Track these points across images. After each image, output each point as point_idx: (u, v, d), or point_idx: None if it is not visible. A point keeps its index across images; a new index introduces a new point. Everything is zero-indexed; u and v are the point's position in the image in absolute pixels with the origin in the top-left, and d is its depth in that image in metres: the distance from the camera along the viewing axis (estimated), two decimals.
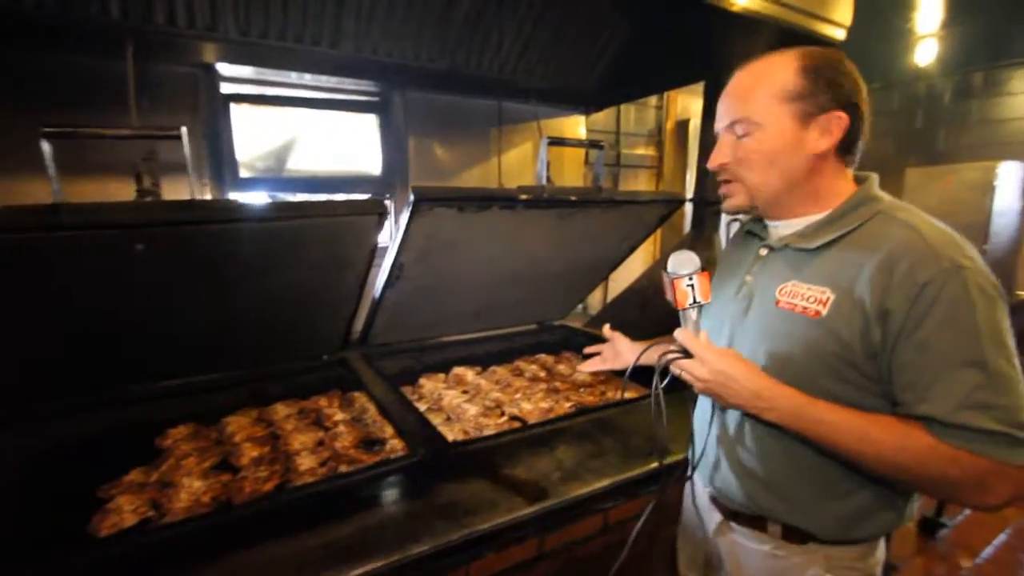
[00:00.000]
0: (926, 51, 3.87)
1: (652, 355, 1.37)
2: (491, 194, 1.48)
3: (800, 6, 1.87)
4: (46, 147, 0.91)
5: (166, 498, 1.32)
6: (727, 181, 1.00)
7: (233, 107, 2.15)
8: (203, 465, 1.48)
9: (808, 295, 0.91)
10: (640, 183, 3.48)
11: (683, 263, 0.96)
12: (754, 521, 1.02)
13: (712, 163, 1.00)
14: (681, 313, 0.98)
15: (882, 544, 1.00)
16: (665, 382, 1.00)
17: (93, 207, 0.94)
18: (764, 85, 0.92)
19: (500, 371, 2.20)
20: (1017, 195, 4.18)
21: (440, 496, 1.11)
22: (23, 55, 1.62)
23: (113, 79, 1.29)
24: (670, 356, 0.97)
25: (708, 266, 0.99)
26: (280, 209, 1.20)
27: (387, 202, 2.56)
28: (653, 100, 3.43)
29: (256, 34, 1.80)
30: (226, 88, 2.13)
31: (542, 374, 2.17)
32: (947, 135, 4.78)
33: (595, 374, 1.95)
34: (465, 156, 2.63)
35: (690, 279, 0.95)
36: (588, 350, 1.66)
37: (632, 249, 2.20)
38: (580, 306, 3.08)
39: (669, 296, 0.98)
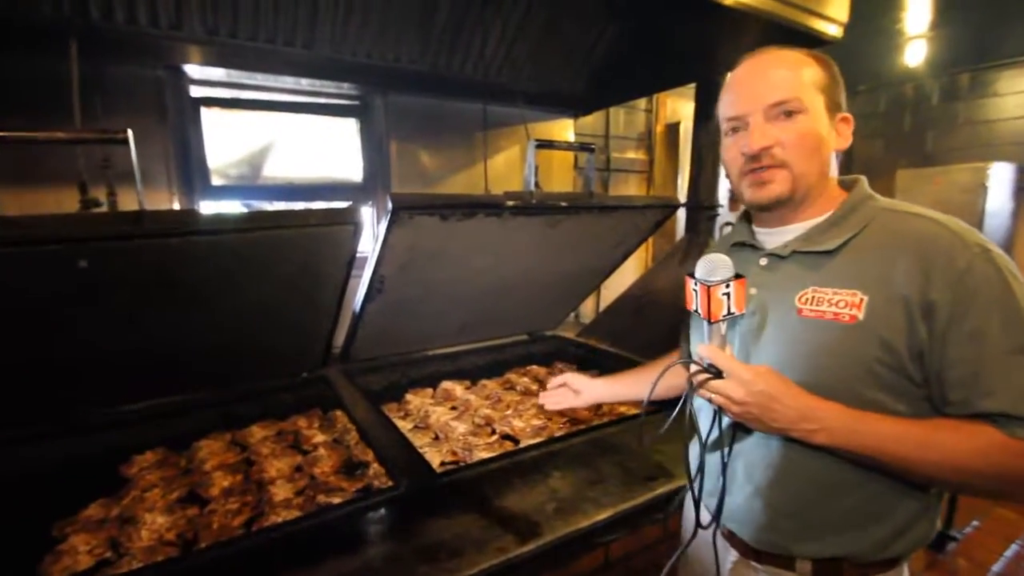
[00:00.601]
0: (915, 52, 3.86)
1: (635, 388, 1.38)
2: (476, 201, 1.38)
3: (795, 1, 1.80)
4: None
5: (126, 536, 1.22)
6: (763, 168, 0.90)
7: (204, 111, 2.04)
8: (169, 498, 1.37)
9: (836, 299, 0.84)
10: (631, 188, 3.41)
11: (716, 268, 0.86)
12: (779, 560, 0.93)
13: (753, 146, 0.89)
14: (708, 326, 0.87)
15: (906, 564, 0.92)
16: (682, 406, 0.90)
17: (25, 220, 0.84)
18: (802, 71, 0.89)
19: (490, 385, 2.11)
20: (1009, 196, 4.19)
21: (423, 535, 1.01)
22: None
23: (62, 82, 1.18)
24: (700, 377, 0.86)
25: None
26: (243, 220, 1.09)
27: (369, 210, 2.46)
28: (643, 103, 3.36)
29: (225, 33, 1.70)
30: (196, 91, 2.02)
31: (534, 387, 2.09)
32: (935, 137, 4.77)
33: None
34: (450, 161, 2.53)
35: (727, 286, 0.84)
36: (543, 395, 1.61)
37: (626, 256, 2.12)
38: (572, 315, 3.00)
39: (696, 306, 0.87)
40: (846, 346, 0.82)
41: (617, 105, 3.18)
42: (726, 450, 0.94)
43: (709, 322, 0.87)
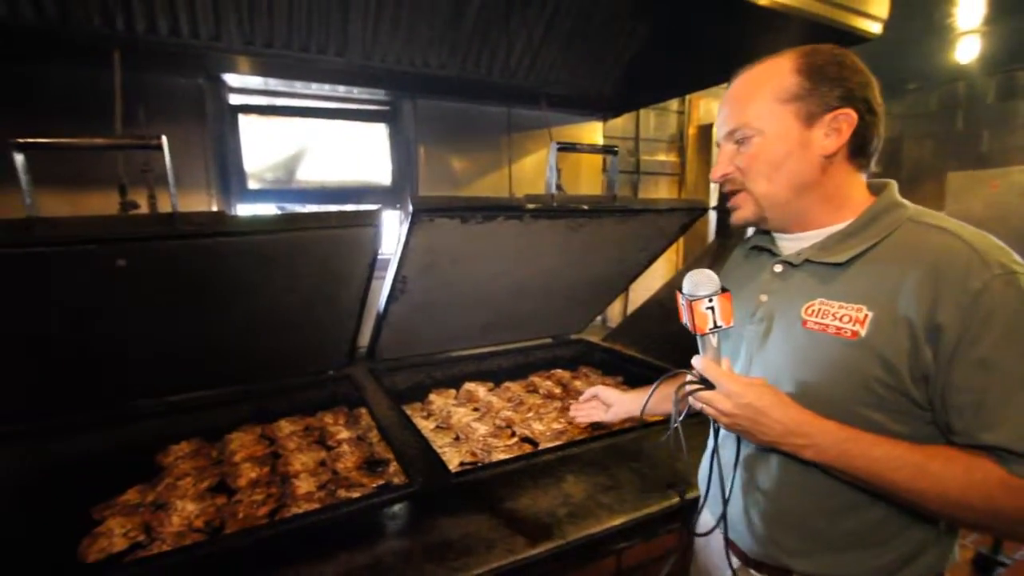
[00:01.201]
0: (968, 48, 3.64)
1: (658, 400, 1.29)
2: (495, 204, 1.39)
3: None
4: (19, 159, 0.87)
5: (158, 521, 1.28)
6: (734, 192, 0.95)
7: (241, 118, 2.13)
8: (199, 486, 1.43)
9: (841, 314, 0.82)
10: (661, 191, 3.35)
11: (701, 283, 0.86)
12: (777, 572, 0.92)
13: (714, 175, 0.95)
14: (699, 339, 0.88)
15: None
16: (682, 416, 0.91)
17: (68, 220, 0.90)
18: (762, 89, 0.88)
19: (513, 387, 2.12)
20: None
21: (434, 533, 1.02)
22: (11, 67, 1.65)
23: (106, 90, 1.26)
24: (689, 388, 0.87)
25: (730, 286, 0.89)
26: (267, 222, 1.14)
27: (396, 212, 2.51)
28: (674, 104, 3.30)
29: (261, 43, 1.77)
30: (234, 99, 2.11)
31: (557, 391, 2.08)
32: (991, 137, 4.50)
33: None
34: (477, 165, 2.56)
35: (710, 301, 0.84)
36: (574, 407, 1.62)
37: (651, 260, 2.09)
38: (599, 319, 2.98)
39: (685, 320, 0.88)
40: (845, 363, 0.80)
41: (647, 107, 3.14)
42: (723, 459, 0.95)
43: (696, 335, 0.87)
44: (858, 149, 0.87)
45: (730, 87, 0.93)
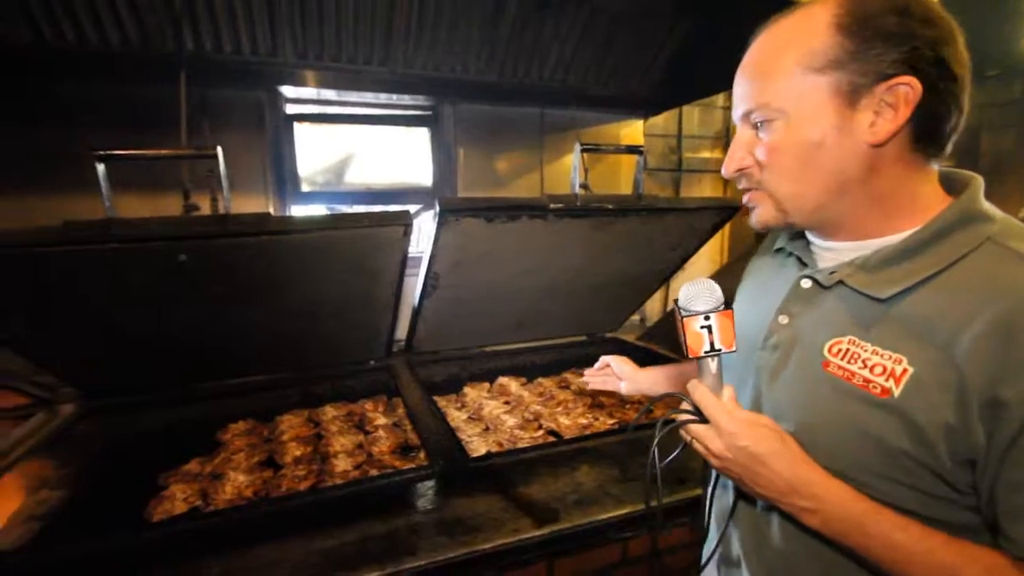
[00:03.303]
0: None
1: (680, 383, 1.07)
2: (519, 203, 1.45)
3: None
4: (100, 168, 1.03)
5: (213, 489, 1.43)
6: (748, 190, 0.74)
7: (296, 126, 2.31)
8: (251, 461, 1.58)
9: (873, 362, 0.63)
10: (704, 188, 3.29)
11: (698, 296, 0.71)
12: None
13: (727, 169, 0.73)
14: (698, 362, 0.73)
15: None
16: (670, 458, 0.78)
17: (136, 222, 1.05)
18: (786, 53, 0.65)
19: (546, 383, 2.16)
20: None
21: (448, 511, 1.10)
22: (95, 86, 1.89)
23: (175, 103, 1.44)
24: (681, 418, 0.73)
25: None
26: (306, 222, 1.25)
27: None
28: (719, 100, 3.23)
29: (313, 57, 1.93)
30: (290, 109, 2.29)
31: (588, 387, 2.11)
32: None
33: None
34: (514, 165, 2.63)
35: (706, 319, 0.70)
36: (588, 372, 1.44)
37: (685, 259, 2.07)
38: (638, 318, 2.97)
39: (681, 338, 0.72)
40: (868, 425, 0.63)
41: (690, 103, 3.09)
42: (720, 501, 0.83)
43: (689, 358, 0.72)
44: (926, 133, 0.63)
45: (751, 47, 0.70)
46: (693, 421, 0.71)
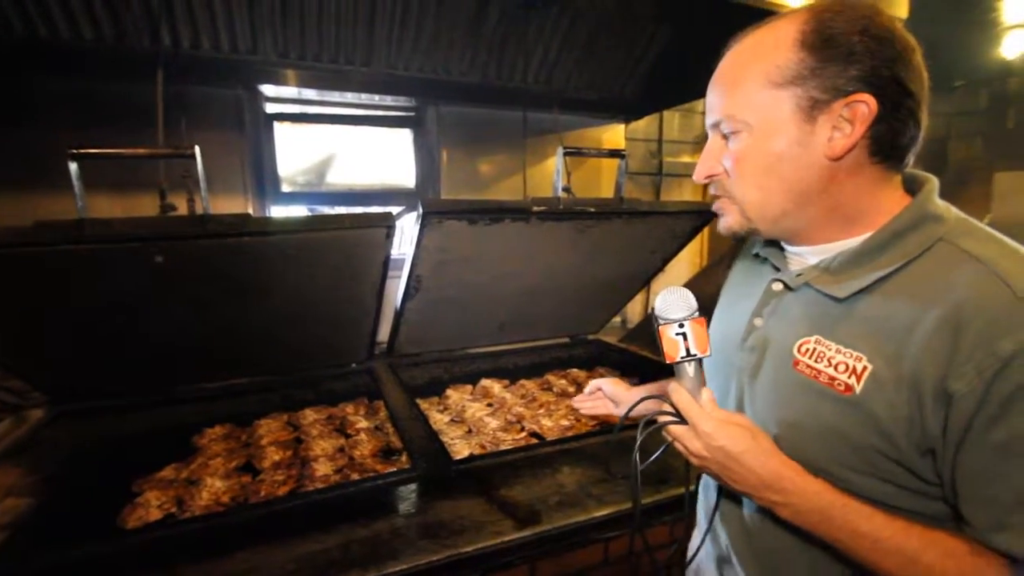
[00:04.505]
0: (1015, 43, 3.45)
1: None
2: (502, 206, 1.45)
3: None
4: (73, 167, 1.00)
5: (189, 495, 1.40)
6: (717, 197, 0.78)
7: (276, 125, 2.28)
8: (228, 466, 1.55)
9: (837, 360, 0.67)
10: (684, 192, 3.34)
11: (672, 305, 0.74)
12: None
13: (697, 175, 0.77)
14: (676, 367, 0.76)
15: None
16: (653, 458, 0.81)
17: (110, 222, 1.03)
18: (752, 67, 0.68)
19: (528, 385, 2.17)
20: None
21: (430, 514, 1.10)
22: (68, 82, 1.85)
23: (151, 101, 1.41)
24: (662, 419, 0.76)
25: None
26: (286, 223, 1.24)
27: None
28: (699, 106, 3.28)
29: (294, 56, 1.90)
30: (270, 108, 2.26)
31: (571, 389, 2.12)
32: None
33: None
34: (498, 168, 2.63)
35: (680, 327, 0.73)
36: (578, 399, 1.42)
37: (665, 261, 2.10)
38: (619, 320, 3.00)
39: (659, 344, 0.75)
40: (835, 421, 0.67)
41: (670, 108, 3.14)
42: (708, 495, 0.87)
43: (667, 363, 0.75)
44: (883, 147, 0.66)
45: (721, 61, 0.74)
46: (673, 422, 0.74)
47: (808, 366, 0.70)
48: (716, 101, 0.73)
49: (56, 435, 1.56)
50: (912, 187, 0.72)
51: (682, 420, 0.73)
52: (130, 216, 1.05)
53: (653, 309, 0.76)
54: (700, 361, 0.74)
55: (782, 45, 0.66)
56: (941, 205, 0.68)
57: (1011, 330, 0.56)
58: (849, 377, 0.65)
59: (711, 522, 0.87)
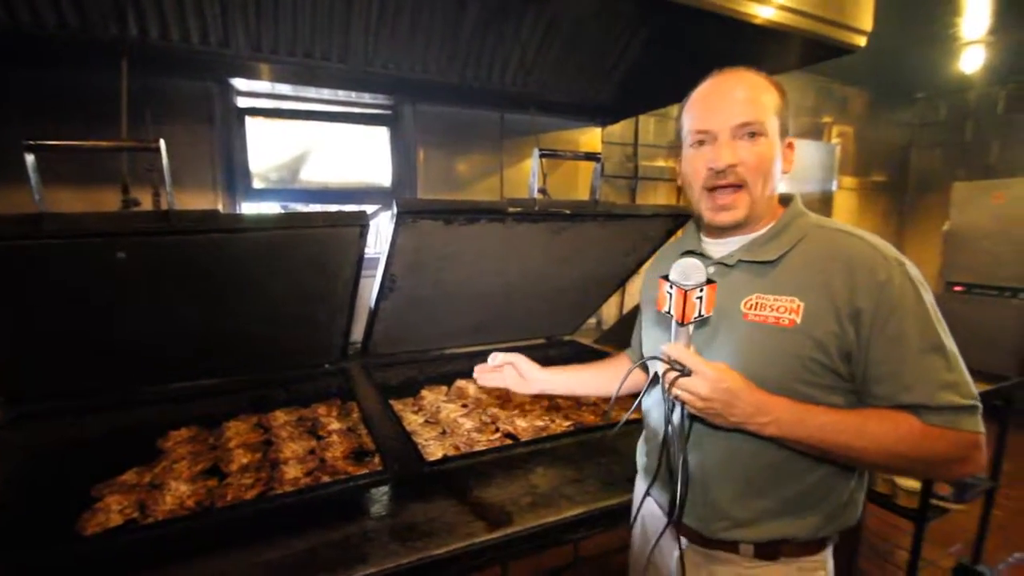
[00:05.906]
0: (972, 59, 3.62)
1: (585, 384, 1.43)
2: (478, 206, 1.45)
3: (821, 15, 1.79)
4: (30, 159, 0.96)
5: (152, 500, 1.35)
6: (732, 187, 0.96)
7: (248, 120, 2.22)
8: (194, 469, 1.51)
9: (777, 305, 0.93)
10: (659, 196, 3.39)
11: (691, 272, 0.90)
12: (725, 545, 0.99)
13: (722, 162, 0.94)
14: (676, 327, 0.93)
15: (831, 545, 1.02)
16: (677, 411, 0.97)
17: (69, 216, 0.99)
18: (765, 94, 0.95)
19: None
20: None
21: (402, 516, 1.09)
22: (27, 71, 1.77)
23: (116, 92, 1.36)
24: (671, 375, 0.90)
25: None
26: (257, 220, 1.22)
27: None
28: (674, 111, 3.32)
29: (267, 49, 1.86)
30: (242, 102, 2.21)
31: None
32: (1000, 148, 4.44)
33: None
34: (475, 168, 2.63)
35: (700, 291, 0.90)
36: (480, 368, 1.46)
37: (639, 263, 2.13)
38: (594, 321, 3.02)
39: (668, 308, 0.92)
40: (785, 347, 0.91)
41: (646, 113, 3.18)
42: (678, 445, 0.97)
43: (680, 324, 0.92)
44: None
45: (725, 84, 0.97)
46: (680, 376, 0.89)
47: (756, 315, 0.95)
48: (744, 109, 0.94)
49: (13, 437, 1.49)
50: (783, 201, 1.03)
51: (685, 372, 0.89)
52: (90, 211, 1.01)
53: (667, 277, 0.93)
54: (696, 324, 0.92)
55: (772, 88, 0.97)
56: (804, 209, 1.02)
57: (881, 266, 0.87)
58: (790, 315, 0.91)
59: (669, 470, 1.01)
